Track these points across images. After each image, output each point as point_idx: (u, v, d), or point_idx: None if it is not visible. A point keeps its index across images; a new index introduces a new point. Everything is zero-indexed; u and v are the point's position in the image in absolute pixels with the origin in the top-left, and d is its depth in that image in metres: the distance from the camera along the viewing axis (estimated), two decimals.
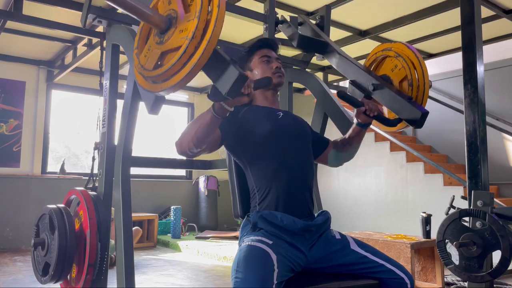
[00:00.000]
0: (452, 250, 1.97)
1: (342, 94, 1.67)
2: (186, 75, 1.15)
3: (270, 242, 1.40)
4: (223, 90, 1.21)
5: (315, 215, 1.59)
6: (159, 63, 1.25)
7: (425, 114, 1.67)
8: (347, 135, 1.75)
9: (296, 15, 2.59)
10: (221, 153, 1.76)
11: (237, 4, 3.43)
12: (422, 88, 1.80)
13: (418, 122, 1.67)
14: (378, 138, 5.56)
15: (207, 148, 1.50)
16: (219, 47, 1.25)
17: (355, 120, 1.69)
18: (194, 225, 6.14)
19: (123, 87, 4.62)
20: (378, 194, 5.49)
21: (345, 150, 1.77)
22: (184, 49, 1.14)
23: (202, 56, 1.13)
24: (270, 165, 1.55)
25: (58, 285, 2.08)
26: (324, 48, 2.29)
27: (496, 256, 1.85)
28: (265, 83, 1.40)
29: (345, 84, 6.60)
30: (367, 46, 4.61)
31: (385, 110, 1.93)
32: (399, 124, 1.82)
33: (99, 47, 2.44)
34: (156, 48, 1.26)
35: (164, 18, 1.25)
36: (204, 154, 1.55)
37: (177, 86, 1.20)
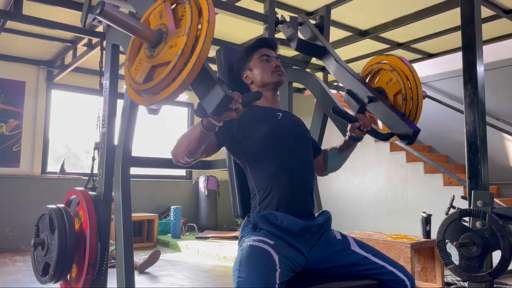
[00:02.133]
0: (452, 250, 1.97)
1: (336, 110, 1.69)
2: (175, 90, 1.16)
3: (272, 242, 1.40)
4: (208, 110, 1.22)
5: (316, 215, 1.59)
6: (149, 76, 1.26)
7: (416, 131, 1.74)
8: (338, 146, 1.76)
9: (296, 15, 2.59)
10: (221, 153, 1.76)
11: (237, 4, 3.43)
12: (416, 101, 1.84)
13: (409, 138, 1.74)
14: None
15: (203, 155, 1.51)
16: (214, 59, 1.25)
17: (348, 133, 1.70)
18: (194, 225, 6.14)
19: (123, 87, 4.62)
20: (378, 194, 5.49)
21: (334, 160, 1.79)
22: (173, 65, 1.15)
23: (191, 73, 1.14)
24: (270, 165, 1.55)
25: (58, 285, 2.08)
26: (322, 53, 2.32)
27: (496, 256, 1.85)
28: (253, 98, 1.38)
29: None
30: (367, 46, 4.62)
31: (379, 123, 1.96)
32: (392, 138, 1.86)
33: (99, 47, 2.44)
34: (147, 62, 1.26)
35: (155, 33, 1.25)
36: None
37: (167, 100, 1.20)
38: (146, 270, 3.92)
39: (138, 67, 1.30)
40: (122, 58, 3.02)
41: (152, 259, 3.95)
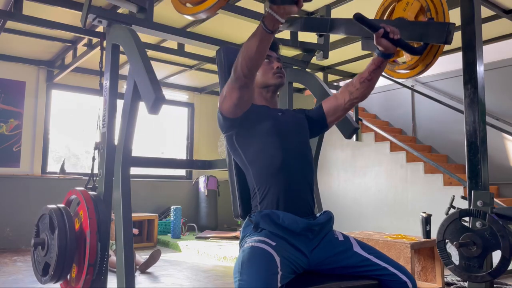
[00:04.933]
0: (452, 250, 1.97)
1: (359, 16, 1.50)
2: None
3: (274, 243, 1.39)
4: None
5: (317, 214, 1.58)
6: None
7: (451, 25, 1.56)
8: (366, 71, 1.64)
9: (296, 15, 2.59)
10: (221, 153, 1.76)
11: (237, 4, 3.43)
12: (441, 8, 1.70)
13: (445, 37, 1.57)
14: (378, 138, 5.56)
15: (247, 94, 1.49)
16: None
17: (376, 51, 1.58)
18: (194, 225, 6.14)
19: (123, 87, 4.62)
20: (378, 194, 5.49)
21: (362, 87, 1.65)
22: None
23: None
24: (270, 164, 1.55)
25: (58, 285, 2.08)
26: (330, 24, 2.24)
27: (496, 256, 1.85)
28: None
29: None
30: None
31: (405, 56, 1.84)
32: (427, 57, 1.69)
33: (99, 47, 2.44)
34: None
35: None
36: (231, 113, 1.54)
37: None
38: (147, 270, 3.92)
39: None
40: (122, 58, 3.02)
41: (153, 259, 3.96)
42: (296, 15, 2.59)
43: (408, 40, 1.71)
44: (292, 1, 1.25)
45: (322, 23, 2.26)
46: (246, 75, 1.41)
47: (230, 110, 1.54)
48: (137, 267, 3.91)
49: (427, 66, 1.79)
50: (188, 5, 1.24)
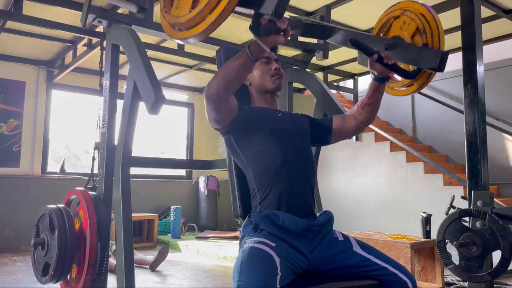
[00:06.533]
0: (452, 250, 1.97)
1: (354, 40, 1.55)
2: (227, 5, 1.14)
3: (273, 244, 1.39)
4: (270, 9, 1.18)
5: (317, 215, 1.58)
6: (192, 9, 1.25)
7: (445, 54, 1.58)
8: (365, 96, 1.67)
9: (296, 15, 2.59)
10: (221, 153, 1.76)
11: None
12: (436, 32, 1.72)
13: (438, 65, 1.60)
14: (378, 138, 5.56)
15: (225, 109, 1.48)
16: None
17: (371, 75, 1.62)
18: (194, 225, 6.14)
19: (123, 87, 4.62)
20: (378, 194, 5.49)
21: (365, 112, 1.69)
22: None
23: None
24: (270, 164, 1.55)
25: (58, 285, 2.08)
26: (329, 32, 2.26)
27: (496, 256, 1.85)
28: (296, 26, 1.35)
29: (345, 84, 6.60)
30: None
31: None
32: (420, 78, 1.73)
33: (99, 47, 2.44)
34: None
35: None
36: (216, 125, 1.54)
37: (218, 21, 1.17)
38: (146, 270, 3.92)
39: (179, 5, 1.29)
40: (122, 58, 3.02)
41: (162, 255, 3.99)
42: (296, 17, 2.59)
43: (402, 62, 1.75)
44: (279, 32, 1.24)
45: (322, 30, 2.28)
46: (220, 95, 1.41)
47: (216, 124, 1.56)
48: (147, 266, 3.95)
49: (421, 86, 1.83)
50: (178, 29, 1.26)
